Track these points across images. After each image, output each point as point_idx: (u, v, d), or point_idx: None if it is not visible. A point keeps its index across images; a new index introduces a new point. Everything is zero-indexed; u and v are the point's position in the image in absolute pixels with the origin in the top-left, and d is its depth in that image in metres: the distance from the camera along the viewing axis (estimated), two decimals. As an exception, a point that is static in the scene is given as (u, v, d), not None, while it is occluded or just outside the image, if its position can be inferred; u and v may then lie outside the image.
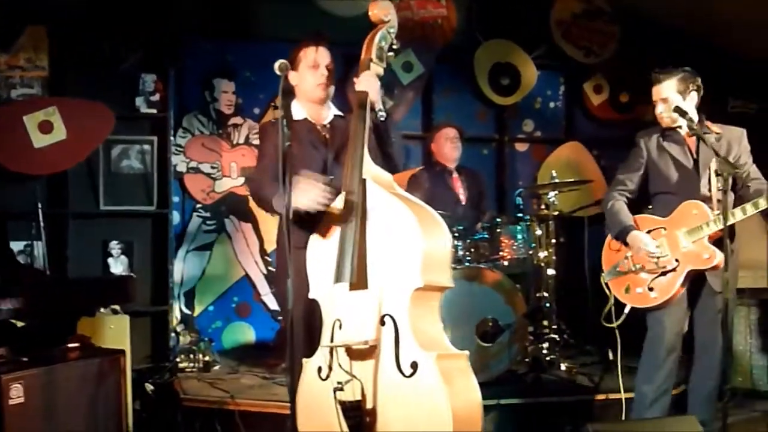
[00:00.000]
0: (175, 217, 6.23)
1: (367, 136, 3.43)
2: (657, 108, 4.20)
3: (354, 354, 3.26)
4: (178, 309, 6.21)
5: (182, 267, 6.30)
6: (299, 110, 3.70)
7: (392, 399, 3.15)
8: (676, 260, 4.10)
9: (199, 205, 6.37)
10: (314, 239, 3.49)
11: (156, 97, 6.01)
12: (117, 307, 4.91)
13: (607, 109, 7.45)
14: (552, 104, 7.44)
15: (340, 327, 3.32)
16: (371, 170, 3.42)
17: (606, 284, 4.38)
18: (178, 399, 4.93)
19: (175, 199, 6.24)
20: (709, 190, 4.07)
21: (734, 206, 3.99)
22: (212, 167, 6.37)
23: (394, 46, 3.60)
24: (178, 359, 5.63)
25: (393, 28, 3.59)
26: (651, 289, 4.17)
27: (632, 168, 4.33)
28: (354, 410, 3.16)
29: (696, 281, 4.14)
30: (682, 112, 3.99)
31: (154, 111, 6.01)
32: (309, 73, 3.64)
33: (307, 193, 3.36)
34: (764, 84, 6.93)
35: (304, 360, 3.41)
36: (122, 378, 4.12)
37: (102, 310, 4.81)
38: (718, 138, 4.11)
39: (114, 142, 5.96)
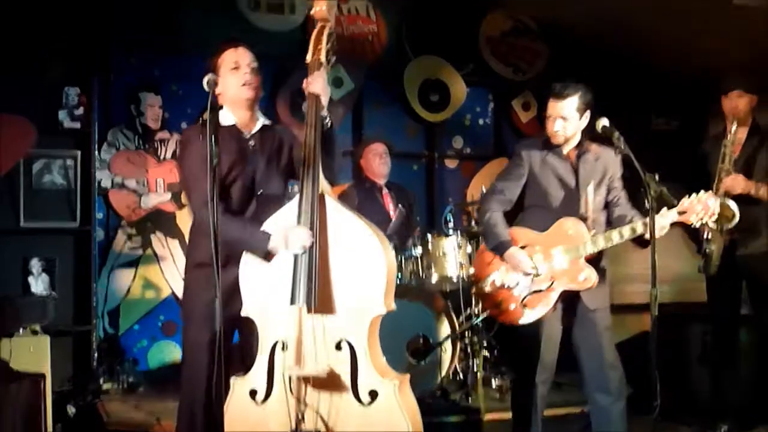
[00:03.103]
0: (100, 233, 6.07)
1: (320, 146, 3.29)
2: (554, 125, 3.97)
3: (305, 380, 3.11)
4: (101, 328, 6.04)
5: (106, 285, 6.14)
6: (228, 116, 3.54)
7: (348, 427, 3.05)
8: (551, 278, 3.97)
9: (124, 222, 6.21)
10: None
11: (80, 111, 5.84)
12: (37, 327, 4.76)
13: (536, 126, 7.50)
14: (481, 121, 7.50)
15: (284, 348, 3.14)
16: (324, 185, 3.26)
17: (478, 296, 4.23)
18: (102, 422, 4.81)
19: (99, 215, 6.08)
20: (586, 210, 3.98)
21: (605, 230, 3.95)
22: (138, 183, 6.24)
23: (332, 55, 3.46)
24: (101, 380, 5.48)
25: (332, 30, 3.46)
26: (524, 306, 4.00)
27: (512, 177, 4.14)
28: None
29: (570, 299, 4.00)
30: (611, 131, 3.77)
31: (78, 125, 5.85)
32: (231, 75, 3.47)
33: (300, 238, 3.15)
34: (686, 101, 7.10)
35: (233, 378, 3.24)
36: (42, 402, 3.99)
37: (21, 330, 4.65)
38: (596, 158, 4.02)
39: (35, 156, 5.78)
